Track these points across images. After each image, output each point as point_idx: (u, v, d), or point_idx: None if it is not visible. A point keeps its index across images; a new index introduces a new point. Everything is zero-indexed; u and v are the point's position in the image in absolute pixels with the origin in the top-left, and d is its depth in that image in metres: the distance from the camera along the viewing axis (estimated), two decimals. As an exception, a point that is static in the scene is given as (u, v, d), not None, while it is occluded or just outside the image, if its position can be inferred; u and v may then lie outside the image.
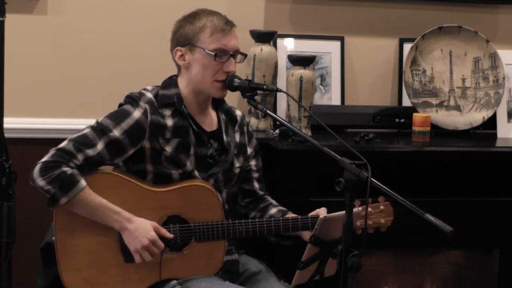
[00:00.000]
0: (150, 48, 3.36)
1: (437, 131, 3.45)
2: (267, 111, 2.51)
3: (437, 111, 3.52)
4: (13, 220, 2.35)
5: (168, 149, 2.59)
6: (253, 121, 3.33)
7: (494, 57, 3.55)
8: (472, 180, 3.33)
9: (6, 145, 2.36)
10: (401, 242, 3.22)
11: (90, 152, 2.51)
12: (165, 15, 3.12)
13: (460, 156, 3.30)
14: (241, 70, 3.02)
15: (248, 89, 2.58)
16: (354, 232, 2.24)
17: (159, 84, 2.69)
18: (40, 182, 2.47)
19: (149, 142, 2.58)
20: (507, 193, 3.34)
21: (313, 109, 3.30)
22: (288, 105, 3.27)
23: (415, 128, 3.31)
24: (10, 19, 2.40)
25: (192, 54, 2.61)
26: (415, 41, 3.49)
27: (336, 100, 3.55)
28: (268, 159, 2.94)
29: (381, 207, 2.66)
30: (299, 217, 2.63)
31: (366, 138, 3.18)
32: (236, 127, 2.77)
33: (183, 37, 2.62)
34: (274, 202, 2.80)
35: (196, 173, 2.62)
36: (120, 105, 2.64)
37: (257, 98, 2.77)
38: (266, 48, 3.32)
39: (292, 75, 3.22)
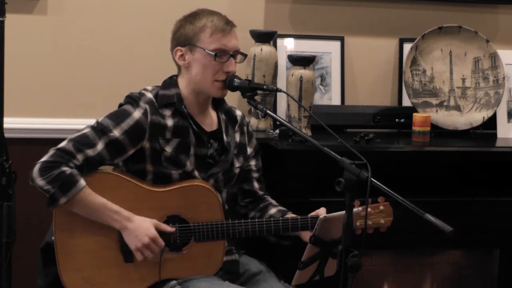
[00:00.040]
0: (150, 48, 3.36)
1: (437, 131, 3.45)
2: (267, 111, 2.51)
3: (437, 111, 3.52)
4: (13, 220, 2.35)
5: (168, 149, 2.59)
6: (253, 121, 3.33)
7: (494, 57, 3.55)
8: (472, 180, 3.33)
9: (6, 145, 2.36)
10: (401, 242, 3.22)
11: (90, 152, 2.51)
12: (165, 15, 3.12)
13: (460, 156, 3.30)
14: (241, 70, 3.02)
15: (248, 89, 2.58)
16: (354, 232, 2.24)
17: (159, 84, 2.69)
18: (40, 182, 2.47)
19: (149, 142, 2.58)
20: (507, 193, 3.34)
21: (313, 109, 3.30)
22: (288, 105, 3.27)
23: (415, 128, 3.31)
24: (10, 19, 2.41)
25: (192, 54, 2.61)
26: (415, 41, 3.49)
27: (336, 100, 3.55)
28: (268, 159, 2.94)
29: (381, 207, 2.65)
30: (299, 217, 2.63)
31: (366, 138, 3.18)
32: (236, 127, 2.77)
33: (183, 37, 2.62)
34: (274, 202, 2.80)
35: (196, 173, 2.62)
36: (120, 105, 2.64)
37: (257, 98, 2.77)
38: (266, 48, 3.32)
39: (292, 75, 3.22)
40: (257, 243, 2.73)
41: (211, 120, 2.72)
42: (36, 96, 3.32)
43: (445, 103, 3.54)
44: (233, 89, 2.60)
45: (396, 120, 3.51)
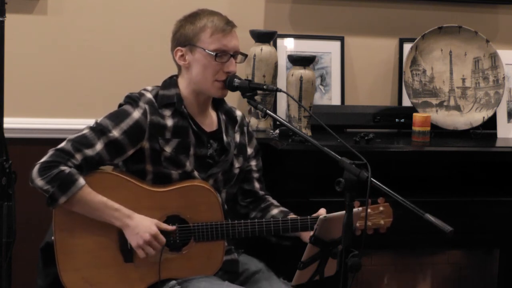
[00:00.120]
0: (150, 48, 3.36)
1: (437, 131, 3.45)
2: (267, 111, 2.51)
3: (437, 111, 3.52)
4: (13, 220, 2.35)
5: (168, 149, 2.59)
6: (253, 121, 3.33)
7: (494, 57, 3.55)
8: (472, 180, 3.33)
9: (6, 145, 2.36)
10: (401, 242, 3.22)
11: (89, 152, 2.52)
12: (165, 15, 3.12)
13: (460, 156, 3.30)
14: (241, 70, 3.02)
15: (248, 89, 2.58)
16: (354, 233, 2.23)
17: (159, 84, 2.69)
18: (39, 182, 2.47)
19: (148, 142, 2.58)
20: (507, 193, 3.34)
21: (313, 109, 3.30)
22: (288, 105, 3.27)
23: (415, 128, 3.31)
24: (10, 19, 2.41)
25: (192, 54, 2.61)
26: (415, 41, 3.49)
27: (336, 100, 3.55)
28: (268, 159, 2.94)
29: (381, 208, 2.65)
30: (299, 217, 2.63)
31: (366, 138, 3.18)
32: (236, 128, 2.77)
33: (183, 37, 2.62)
34: (275, 202, 2.80)
35: (195, 173, 2.62)
36: (120, 105, 2.64)
37: (257, 98, 2.77)
38: (266, 48, 3.32)
39: (292, 75, 3.22)
40: (256, 242, 2.73)
41: (211, 120, 2.72)
42: (36, 96, 3.32)
43: (445, 103, 3.54)
44: (233, 89, 2.60)
45: (396, 120, 3.51)
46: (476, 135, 3.50)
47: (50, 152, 2.52)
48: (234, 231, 2.58)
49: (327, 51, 3.56)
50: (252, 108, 3.17)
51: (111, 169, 2.64)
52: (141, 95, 2.62)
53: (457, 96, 3.56)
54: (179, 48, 2.63)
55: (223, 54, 2.58)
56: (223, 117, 2.74)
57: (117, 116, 2.57)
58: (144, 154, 2.59)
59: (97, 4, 3.33)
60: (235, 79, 2.59)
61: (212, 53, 2.57)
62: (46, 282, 2.63)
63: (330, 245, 2.26)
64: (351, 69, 3.60)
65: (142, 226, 2.50)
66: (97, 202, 2.50)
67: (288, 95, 2.77)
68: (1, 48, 2.34)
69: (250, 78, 3.28)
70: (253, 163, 2.81)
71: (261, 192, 2.82)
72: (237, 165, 2.73)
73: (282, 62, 3.44)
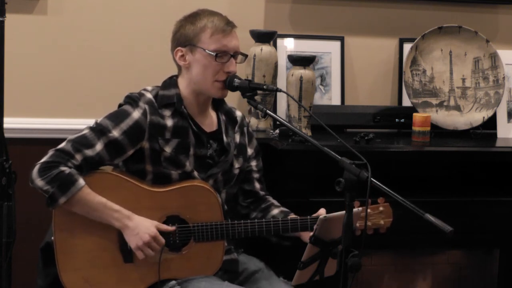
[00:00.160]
0: (150, 48, 3.36)
1: (437, 131, 3.45)
2: (267, 111, 2.51)
3: (437, 111, 3.52)
4: (13, 220, 2.35)
5: (168, 149, 2.59)
6: (253, 121, 3.33)
7: (494, 57, 3.55)
8: (472, 180, 3.33)
9: (6, 145, 2.36)
10: (401, 242, 3.22)
11: (89, 152, 2.52)
12: (165, 15, 3.12)
13: (460, 156, 3.30)
14: (241, 70, 3.02)
15: (248, 89, 2.58)
16: (354, 233, 2.24)
17: (159, 84, 2.69)
18: (39, 182, 2.47)
19: (148, 142, 2.58)
20: (507, 193, 3.34)
21: (313, 109, 3.30)
22: (288, 105, 3.27)
23: (415, 128, 3.31)
24: (10, 19, 2.41)
25: (192, 54, 2.61)
26: (415, 41, 3.49)
27: (336, 100, 3.55)
28: (268, 159, 2.94)
29: (381, 208, 2.65)
30: (298, 218, 2.63)
31: (366, 138, 3.18)
32: (236, 128, 2.77)
33: (183, 37, 2.62)
34: (276, 202, 2.80)
35: (195, 173, 2.62)
36: (120, 105, 2.64)
37: (257, 98, 2.77)
38: (266, 48, 3.32)
39: (292, 75, 3.22)
40: (256, 242, 2.73)
41: (211, 121, 2.72)
42: (36, 96, 3.32)
43: (445, 103, 3.54)
44: (233, 89, 2.60)
45: (396, 120, 3.51)
46: (476, 135, 3.50)
47: (50, 152, 2.52)
48: (233, 231, 2.58)
49: (327, 51, 3.56)
50: (252, 108, 3.17)
51: (111, 169, 2.64)
52: (141, 95, 2.62)
53: (457, 96, 3.56)
54: (179, 48, 2.63)
55: (223, 55, 2.58)
56: (223, 117, 2.74)
57: (117, 116, 2.57)
58: (144, 154, 2.59)
59: (97, 4, 3.33)
60: (235, 79, 2.59)
61: (212, 53, 2.57)
62: (46, 282, 2.64)
63: (330, 245, 2.26)
64: (351, 69, 3.60)
65: (142, 227, 2.50)
66: (96, 203, 2.50)
67: (288, 95, 2.77)
68: (1, 48, 2.34)
69: (250, 78, 3.28)
70: (253, 163, 2.81)
71: (262, 193, 2.82)
72: (237, 165, 2.73)
73: (282, 62, 3.44)
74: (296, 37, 3.52)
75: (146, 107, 2.58)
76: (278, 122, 2.72)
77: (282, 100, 3.42)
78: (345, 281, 2.14)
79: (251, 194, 2.80)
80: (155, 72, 2.89)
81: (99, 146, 2.53)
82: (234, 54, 2.61)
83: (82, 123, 2.67)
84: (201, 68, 2.60)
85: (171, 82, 2.68)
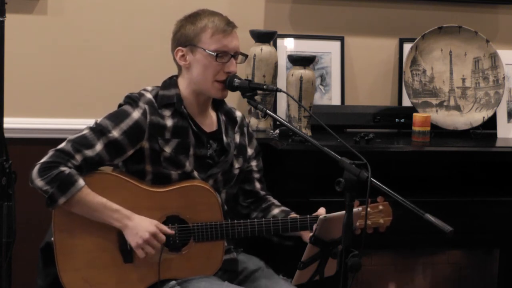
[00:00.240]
0: (150, 48, 3.36)
1: (437, 131, 3.45)
2: (267, 111, 2.51)
3: (437, 111, 3.52)
4: (13, 220, 2.35)
5: (167, 149, 2.59)
6: (253, 121, 3.33)
7: (494, 57, 3.55)
8: (472, 180, 3.33)
9: (6, 145, 2.36)
10: (401, 242, 3.22)
11: (89, 152, 2.52)
12: (165, 15, 3.12)
13: (460, 156, 3.30)
14: (241, 70, 3.02)
15: (248, 89, 2.58)
16: (353, 232, 2.24)
17: (159, 84, 2.69)
18: (39, 182, 2.47)
19: (148, 142, 2.58)
20: (507, 193, 3.34)
21: (313, 109, 3.30)
22: (288, 105, 3.27)
23: (415, 128, 3.31)
24: (10, 19, 2.41)
25: (193, 54, 2.61)
26: (415, 41, 3.49)
27: (336, 100, 3.55)
28: (268, 159, 2.94)
29: (380, 207, 2.65)
30: (298, 217, 2.63)
31: (366, 138, 3.18)
32: (236, 128, 2.77)
33: (184, 37, 2.62)
34: (276, 202, 2.80)
35: (195, 173, 2.62)
36: (120, 105, 2.64)
37: (257, 98, 2.77)
38: (266, 48, 3.32)
39: (292, 75, 3.22)
40: (255, 241, 2.73)
41: (210, 121, 2.72)
42: (36, 96, 3.32)
43: (445, 103, 3.54)
44: (233, 89, 2.60)
45: (396, 120, 3.51)
46: (476, 135, 3.50)
47: (50, 152, 2.52)
48: (233, 231, 2.58)
49: (327, 51, 3.56)
50: (252, 108, 3.17)
51: (110, 169, 2.64)
52: (140, 95, 2.62)
53: (457, 96, 3.56)
54: (179, 48, 2.63)
55: (223, 55, 2.58)
56: (223, 117, 2.74)
57: (117, 117, 2.57)
58: (143, 154, 2.59)
59: (97, 4, 3.33)
60: (235, 79, 2.59)
61: (213, 54, 2.57)
62: (46, 282, 2.63)
63: (330, 245, 2.26)
64: (351, 69, 3.60)
65: (141, 226, 2.50)
66: (96, 203, 2.50)
67: (288, 95, 2.77)
68: (1, 48, 2.34)
69: (250, 78, 3.28)
70: (253, 163, 2.81)
71: (262, 192, 2.82)
72: (236, 165, 2.73)
73: (282, 62, 3.44)
74: (296, 37, 3.52)
75: (146, 107, 2.58)
76: (278, 122, 2.72)
77: (282, 100, 3.42)
78: (345, 281, 2.14)
79: (252, 194, 2.80)
80: (155, 72, 2.90)
81: (99, 146, 2.53)
82: (235, 54, 2.61)
83: (82, 123, 2.67)
84: (201, 68, 2.60)
85: (171, 82, 2.68)
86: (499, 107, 3.55)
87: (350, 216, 2.12)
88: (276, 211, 2.75)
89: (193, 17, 2.63)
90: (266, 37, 3.35)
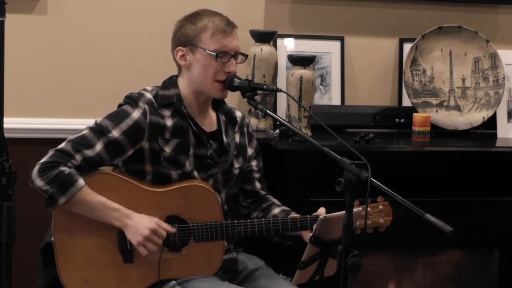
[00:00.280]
0: (150, 48, 3.36)
1: (437, 131, 3.45)
2: (267, 111, 2.51)
3: (437, 111, 3.52)
4: (13, 220, 2.35)
5: (167, 149, 2.59)
6: (253, 121, 3.33)
7: (494, 57, 3.55)
8: (472, 180, 3.33)
9: (6, 145, 2.36)
10: (401, 242, 3.22)
11: (89, 152, 2.52)
12: (166, 15, 3.12)
13: (460, 156, 3.30)
14: (241, 70, 3.02)
15: (248, 89, 2.58)
16: (353, 232, 2.24)
17: (159, 84, 2.69)
18: (39, 182, 2.47)
19: (148, 142, 2.58)
20: (507, 193, 3.34)
21: (313, 109, 3.30)
22: (288, 105, 3.27)
23: (415, 128, 3.31)
24: (10, 19, 2.40)
25: (193, 54, 2.61)
26: (415, 41, 3.49)
27: (336, 100, 3.55)
28: (268, 159, 2.94)
29: (380, 207, 2.65)
30: (298, 217, 2.63)
31: (366, 138, 3.18)
32: (236, 128, 2.77)
33: (184, 37, 2.62)
34: (276, 201, 2.81)
35: (195, 173, 2.62)
36: (120, 105, 2.64)
37: (257, 98, 2.77)
38: (266, 48, 3.32)
39: (292, 75, 3.22)
40: (255, 241, 2.73)
41: (210, 121, 2.72)
42: (36, 96, 3.32)
43: (445, 103, 3.54)
44: (233, 89, 2.60)
45: (396, 120, 3.51)
46: (476, 135, 3.50)
47: (50, 152, 2.52)
48: (233, 231, 2.58)
49: (327, 51, 3.56)
50: (252, 108, 3.17)
51: (110, 169, 2.64)
52: (140, 95, 2.62)
53: (457, 96, 3.56)
54: (179, 48, 2.63)
55: (223, 55, 2.58)
56: (223, 117, 2.74)
57: (117, 117, 2.57)
58: (143, 155, 2.59)
59: (97, 4, 3.33)
60: (235, 79, 2.59)
61: (213, 53, 2.57)
62: (46, 282, 2.63)
63: (330, 245, 2.26)
64: (351, 69, 3.60)
65: (141, 224, 2.50)
66: (96, 203, 2.50)
67: (288, 95, 2.77)
68: (1, 48, 2.34)
69: (250, 78, 3.28)
70: (254, 163, 2.81)
71: (263, 192, 2.82)
72: (236, 165, 2.73)
73: (282, 62, 3.44)
74: (296, 37, 3.52)
75: (146, 107, 2.58)
76: (278, 122, 2.72)
77: (282, 100, 3.42)
78: (345, 281, 2.14)
79: (252, 194, 2.80)
80: (155, 72, 2.90)
81: (98, 146, 2.53)
82: (235, 54, 2.62)
83: (82, 123, 2.67)
84: (201, 68, 2.60)
85: (171, 82, 2.68)
86: (499, 107, 3.55)
87: (350, 216, 2.12)
88: (276, 210, 2.75)
89: (193, 17, 2.63)
90: (266, 37, 3.35)
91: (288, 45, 3.50)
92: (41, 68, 3.30)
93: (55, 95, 3.33)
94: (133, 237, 2.50)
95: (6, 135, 2.38)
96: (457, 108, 3.55)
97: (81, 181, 2.48)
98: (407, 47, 3.57)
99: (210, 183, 2.64)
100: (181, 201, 2.57)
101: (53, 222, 2.54)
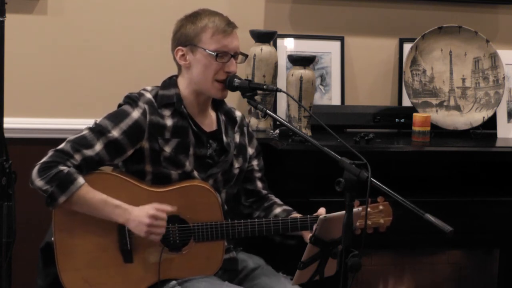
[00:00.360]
0: (150, 48, 3.36)
1: (437, 131, 3.45)
2: (267, 111, 2.51)
3: (437, 111, 3.52)
4: (13, 220, 2.35)
5: (167, 149, 2.59)
6: (253, 121, 3.33)
7: (494, 57, 3.55)
8: (472, 180, 3.33)
9: (6, 145, 2.36)
10: (401, 242, 3.22)
11: (88, 152, 2.52)
12: (166, 15, 3.12)
13: (460, 156, 3.30)
14: (241, 70, 3.02)
15: (248, 89, 2.58)
16: (353, 232, 2.24)
17: (159, 84, 2.69)
18: (39, 182, 2.47)
19: (148, 142, 2.58)
20: (507, 193, 3.34)
21: (313, 109, 3.30)
22: (288, 105, 3.27)
23: (415, 128, 3.31)
24: (10, 19, 2.40)
25: (193, 54, 2.61)
26: (415, 41, 3.49)
27: (336, 100, 3.55)
28: (268, 159, 2.94)
29: (380, 207, 2.65)
30: (298, 217, 2.63)
31: (366, 138, 3.18)
32: (236, 128, 2.77)
33: (184, 37, 2.62)
34: (278, 201, 2.81)
35: (195, 173, 2.62)
36: (119, 105, 2.64)
37: (257, 98, 2.77)
38: (266, 48, 3.32)
39: (292, 75, 3.22)
40: (255, 240, 2.73)
41: (210, 121, 2.72)
42: (36, 96, 3.32)
43: (445, 103, 3.54)
44: (233, 89, 2.60)
45: (396, 120, 3.51)
46: (476, 135, 3.50)
47: (50, 153, 2.52)
48: (234, 231, 2.58)
49: (327, 51, 3.56)
50: (252, 108, 3.17)
51: (110, 169, 2.64)
52: (140, 95, 2.62)
53: (457, 96, 3.56)
54: (179, 47, 2.63)
55: (223, 55, 2.58)
56: (222, 117, 2.74)
57: (117, 116, 2.57)
58: (143, 154, 2.59)
59: (97, 4, 3.33)
60: (235, 79, 2.59)
61: (213, 53, 2.57)
62: (46, 282, 2.63)
63: (330, 245, 2.26)
64: (351, 69, 3.60)
65: (141, 215, 2.48)
66: (97, 201, 2.50)
67: (288, 95, 2.77)
68: (1, 48, 2.34)
69: (250, 78, 3.28)
70: (254, 162, 2.82)
71: (264, 192, 2.82)
72: (236, 165, 2.73)
73: (282, 62, 3.44)
74: (296, 37, 3.52)
75: (146, 107, 2.58)
76: (278, 122, 2.72)
77: (282, 100, 3.42)
78: (345, 281, 2.14)
79: (254, 193, 2.80)
80: (155, 72, 2.89)
81: (98, 146, 2.53)
82: (235, 54, 2.62)
83: (82, 123, 2.67)
84: (201, 67, 2.60)
85: (171, 82, 2.68)
86: (499, 107, 3.56)
87: (350, 216, 2.12)
88: (278, 210, 2.75)
89: (194, 17, 2.63)
90: (266, 37, 3.35)
91: (288, 45, 3.50)
92: (41, 68, 3.30)
93: (55, 95, 3.33)
94: (138, 229, 2.50)
95: (6, 135, 2.38)
96: (457, 108, 3.55)
97: (80, 180, 2.48)
98: (407, 47, 3.57)
99: (210, 183, 2.64)
100: (181, 201, 2.57)
101: (53, 222, 2.54)
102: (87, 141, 2.53)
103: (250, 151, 2.81)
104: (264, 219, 2.62)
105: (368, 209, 2.58)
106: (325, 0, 3.55)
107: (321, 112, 3.36)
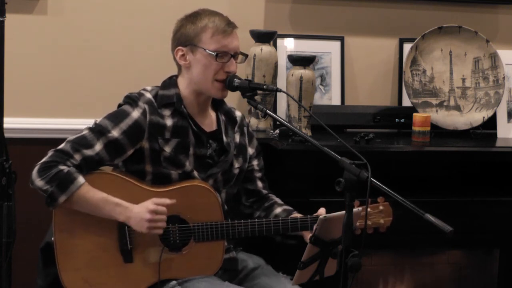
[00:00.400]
0: (150, 48, 3.36)
1: (437, 131, 3.45)
2: (267, 111, 2.51)
3: (437, 111, 3.52)
4: (13, 220, 2.35)
5: (167, 149, 2.59)
6: (253, 121, 3.33)
7: (494, 57, 3.55)
8: (472, 180, 3.33)
9: (6, 145, 2.36)
10: (401, 242, 3.22)
11: (88, 152, 2.52)
12: (166, 15, 3.12)
13: (460, 156, 3.30)
14: (241, 70, 3.02)
15: (248, 89, 2.58)
16: (353, 232, 2.24)
17: (159, 84, 2.69)
18: (39, 182, 2.47)
19: (148, 142, 2.58)
20: (507, 193, 3.34)
21: (313, 109, 3.30)
22: (288, 105, 3.27)
23: (415, 128, 3.31)
24: (10, 19, 2.40)
25: (193, 54, 2.61)
26: (415, 41, 3.49)
27: (336, 100, 3.55)
28: (268, 159, 2.94)
29: (380, 207, 2.65)
30: (299, 217, 2.63)
31: (366, 138, 3.18)
32: (236, 128, 2.77)
33: (184, 37, 2.62)
34: (279, 200, 2.81)
35: (195, 173, 2.62)
36: (119, 105, 2.64)
37: (257, 98, 2.77)
38: (266, 48, 3.32)
39: (292, 75, 3.22)
40: (255, 240, 2.73)
41: (210, 121, 2.72)
42: (36, 96, 3.32)
43: (445, 103, 3.54)
44: (233, 89, 2.60)
45: (396, 120, 3.51)
46: (476, 135, 3.50)
47: (50, 153, 2.52)
48: (234, 231, 2.58)
49: (327, 51, 3.56)
50: (252, 108, 3.17)
51: (110, 169, 2.64)
52: (140, 95, 2.62)
53: (457, 96, 3.56)
54: (179, 47, 2.63)
55: (223, 55, 2.59)
56: (222, 117, 2.74)
57: (116, 116, 2.57)
58: (143, 154, 2.59)
59: (97, 4, 3.33)
60: (235, 79, 2.59)
61: (213, 53, 2.57)
62: (46, 282, 2.64)
63: (330, 245, 2.26)
64: (351, 69, 3.60)
65: (140, 212, 2.48)
66: (97, 199, 2.50)
67: (288, 95, 2.77)
68: (1, 48, 2.34)
69: (250, 78, 3.28)
70: (255, 162, 2.82)
71: (264, 191, 2.82)
72: (236, 165, 2.73)
73: (282, 62, 3.44)
74: (296, 37, 3.52)
75: (146, 107, 2.59)
76: (278, 122, 2.72)
77: (282, 100, 3.42)
78: (345, 281, 2.14)
79: (254, 193, 2.80)
80: (155, 72, 2.89)
81: (98, 146, 2.53)
82: (235, 54, 2.62)
83: (82, 123, 2.67)
84: (201, 67, 2.60)
85: (171, 82, 2.68)
86: (499, 107, 3.56)
87: (350, 216, 2.12)
88: (278, 210, 2.75)
89: (194, 17, 2.63)
90: (266, 37, 3.35)
91: (288, 45, 3.50)
92: (41, 68, 3.30)
93: (55, 95, 3.33)
94: (139, 226, 2.49)
95: (6, 135, 2.38)
96: (457, 108, 3.55)
97: (80, 179, 2.48)
98: (407, 47, 3.57)
99: (210, 183, 2.64)
100: (181, 201, 2.57)
101: (53, 222, 2.54)
102: (87, 141, 2.53)
103: (250, 151, 2.81)
104: (264, 219, 2.62)
105: (368, 209, 2.58)
106: (325, 0, 3.55)
107: (321, 112, 3.36)
